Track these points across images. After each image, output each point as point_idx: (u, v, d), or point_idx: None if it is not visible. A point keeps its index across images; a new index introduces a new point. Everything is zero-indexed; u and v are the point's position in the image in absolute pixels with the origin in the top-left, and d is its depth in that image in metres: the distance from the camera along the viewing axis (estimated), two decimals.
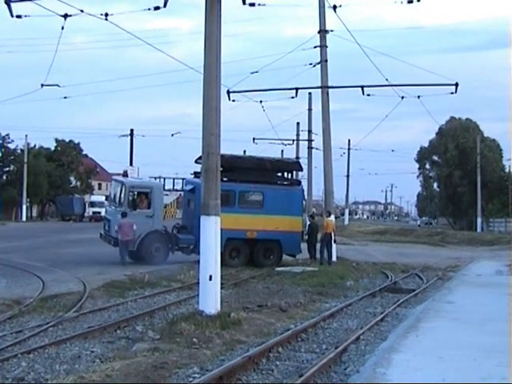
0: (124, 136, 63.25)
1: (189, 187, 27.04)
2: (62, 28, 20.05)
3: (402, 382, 7.85)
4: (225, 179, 25.57)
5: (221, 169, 26.40)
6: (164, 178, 29.71)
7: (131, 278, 20.04)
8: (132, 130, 63.06)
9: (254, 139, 45.77)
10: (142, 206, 25.62)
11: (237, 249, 25.67)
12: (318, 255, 26.46)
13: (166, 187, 29.30)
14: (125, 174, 28.00)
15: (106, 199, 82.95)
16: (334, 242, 26.40)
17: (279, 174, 27.69)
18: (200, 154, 26.00)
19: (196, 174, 25.67)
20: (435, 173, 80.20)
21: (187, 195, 27.73)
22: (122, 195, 25.47)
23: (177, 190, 31.66)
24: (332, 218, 26.91)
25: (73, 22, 19.11)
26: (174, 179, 30.08)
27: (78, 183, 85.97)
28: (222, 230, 25.14)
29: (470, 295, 17.63)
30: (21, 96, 65.17)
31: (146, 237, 25.06)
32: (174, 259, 25.35)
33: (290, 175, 28.06)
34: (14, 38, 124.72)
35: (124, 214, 24.81)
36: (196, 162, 25.38)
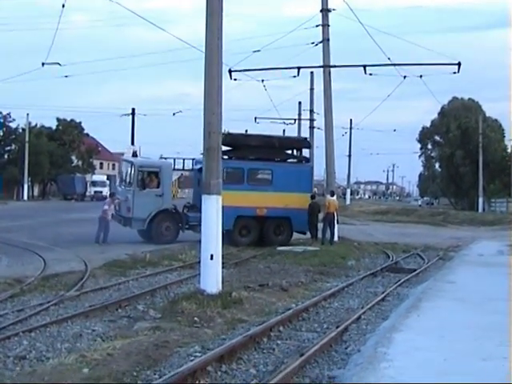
0: (125, 115, 63.08)
1: (199, 166, 27.06)
2: (63, 6, 19.98)
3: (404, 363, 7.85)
4: (233, 157, 25.82)
5: (230, 148, 26.81)
6: (174, 159, 29.75)
7: (132, 257, 20.08)
8: (133, 109, 62.90)
9: (255, 118, 45.61)
10: (152, 185, 25.82)
11: (247, 226, 25.83)
12: (320, 235, 26.47)
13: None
14: (134, 154, 28.18)
15: (108, 178, 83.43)
16: (337, 222, 26.42)
17: (288, 152, 27.79)
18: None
19: None
20: (437, 153, 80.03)
21: (197, 175, 27.73)
22: (132, 175, 25.73)
23: (178, 170, 31.56)
24: (335, 197, 26.89)
25: (73, 0, 18.99)
26: (183, 159, 30.02)
27: (80, 162, 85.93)
28: (231, 207, 25.54)
29: (471, 275, 17.64)
30: (22, 75, 65.27)
31: (156, 216, 25.33)
32: (182, 237, 25.45)
33: (298, 153, 28.06)
34: (14, 16, 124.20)
35: (111, 194, 26.16)
36: None
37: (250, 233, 25.87)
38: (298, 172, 26.65)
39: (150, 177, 26.03)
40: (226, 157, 26.28)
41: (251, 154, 26.17)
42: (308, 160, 28.75)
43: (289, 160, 27.63)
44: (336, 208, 26.52)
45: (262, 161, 26.38)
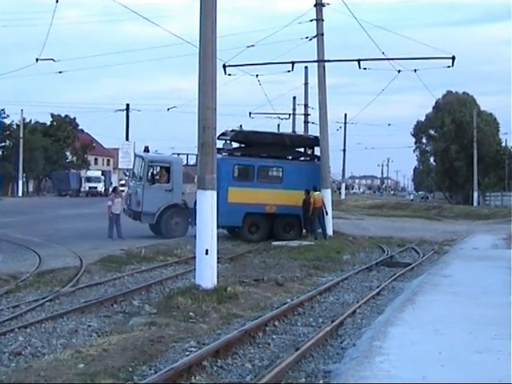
0: (120, 111, 62.98)
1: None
2: (57, 1, 19.93)
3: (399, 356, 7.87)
4: (244, 154, 25.89)
5: (241, 145, 26.86)
6: (187, 155, 29.96)
7: (128, 252, 20.06)
8: (128, 105, 62.77)
9: (250, 113, 45.48)
10: (162, 180, 26.23)
11: (256, 223, 25.78)
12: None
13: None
14: (146, 150, 28.35)
15: (103, 174, 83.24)
16: (326, 214, 26.20)
17: (299, 150, 27.99)
18: (223, 130, 26.00)
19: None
20: (432, 147, 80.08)
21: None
22: (142, 170, 26.03)
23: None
24: (319, 192, 26.41)
25: None
26: (187, 155, 30.14)
27: (74, 158, 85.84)
28: (240, 204, 25.42)
29: (466, 269, 17.65)
30: (16, 70, 64.71)
31: (165, 210, 25.65)
32: (192, 232, 25.59)
33: (311, 151, 28.06)
34: (8, 12, 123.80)
35: (114, 189, 26.43)
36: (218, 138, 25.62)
37: (259, 230, 25.80)
38: (308, 170, 26.69)
39: (160, 172, 26.50)
40: (236, 154, 26.36)
41: (262, 152, 26.20)
42: (319, 158, 28.49)
43: (299, 158, 27.75)
44: (322, 201, 26.04)
45: (272, 158, 26.39)
